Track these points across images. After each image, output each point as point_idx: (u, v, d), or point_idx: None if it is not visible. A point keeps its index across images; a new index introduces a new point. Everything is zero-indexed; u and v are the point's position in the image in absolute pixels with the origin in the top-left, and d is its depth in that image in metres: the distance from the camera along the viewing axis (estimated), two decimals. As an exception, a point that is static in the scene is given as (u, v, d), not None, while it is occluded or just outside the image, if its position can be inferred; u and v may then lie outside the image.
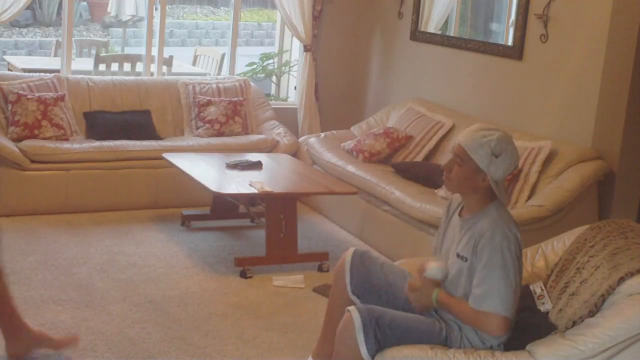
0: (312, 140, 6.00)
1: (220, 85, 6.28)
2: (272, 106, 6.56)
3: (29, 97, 5.47)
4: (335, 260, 4.68)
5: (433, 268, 2.76)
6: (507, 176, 2.67)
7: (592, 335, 2.45)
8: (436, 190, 4.80)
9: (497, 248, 2.54)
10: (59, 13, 12.21)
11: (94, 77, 6.17)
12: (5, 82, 5.58)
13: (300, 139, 6.19)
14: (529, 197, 4.52)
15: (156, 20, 6.45)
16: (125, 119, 5.79)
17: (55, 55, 8.59)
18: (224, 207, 5.34)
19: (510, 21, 5.34)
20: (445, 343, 2.65)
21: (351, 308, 2.64)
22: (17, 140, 5.33)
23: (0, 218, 5.07)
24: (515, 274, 2.56)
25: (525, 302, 2.92)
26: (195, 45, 12.07)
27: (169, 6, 12.40)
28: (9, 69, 7.52)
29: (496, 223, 2.59)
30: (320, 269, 4.64)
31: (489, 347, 2.63)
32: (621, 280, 2.61)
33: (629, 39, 4.48)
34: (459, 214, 2.77)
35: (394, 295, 2.90)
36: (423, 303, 2.72)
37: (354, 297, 2.93)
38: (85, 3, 13.15)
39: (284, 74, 7.29)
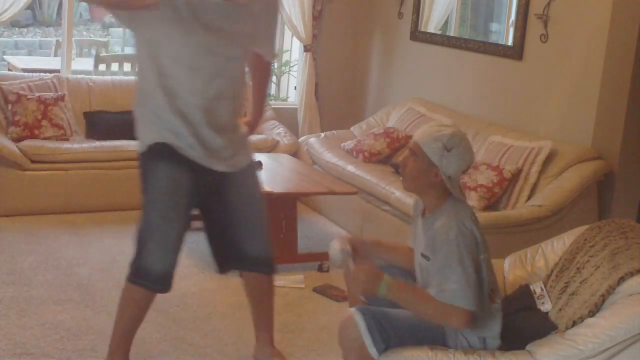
0: (312, 140, 6.00)
1: (220, 85, 6.27)
2: (272, 106, 6.56)
3: (29, 97, 5.47)
4: (335, 260, 4.69)
5: (333, 250, 2.77)
6: (461, 172, 2.66)
7: (592, 335, 2.45)
8: (436, 190, 4.79)
9: (452, 243, 2.53)
10: (59, 13, 12.20)
11: (94, 77, 6.17)
12: (5, 82, 5.58)
13: (300, 139, 6.19)
14: (529, 197, 4.53)
15: (156, 20, 6.45)
16: (125, 119, 5.75)
17: (55, 55, 8.61)
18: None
19: (510, 21, 5.34)
20: (444, 339, 2.65)
21: (352, 310, 2.63)
22: (17, 140, 5.33)
23: (0, 218, 5.08)
24: (473, 267, 2.53)
25: (525, 301, 2.92)
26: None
27: (169, 6, 12.38)
28: (9, 69, 7.54)
29: (451, 219, 2.58)
30: (320, 269, 4.64)
31: (483, 345, 2.62)
32: (621, 280, 2.61)
33: (629, 39, 4.48)
34: (422, 215, 2.77)
35: None
36: (369, 290, 2.61)
37: (362, 298, 2.94)
38: (85, 3, 13.14)
39: (284, 74, 7.29)
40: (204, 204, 3.10)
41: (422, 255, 2.67)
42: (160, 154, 2.92)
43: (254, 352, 3.37)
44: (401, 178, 2.76)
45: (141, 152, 2.98)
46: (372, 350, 2.54)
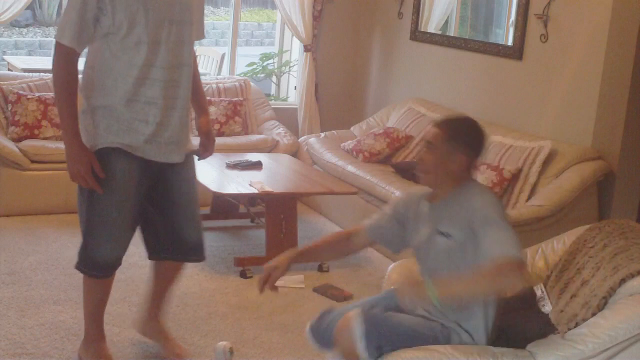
0: (312, 140, 6.00)
1: (220, 85, 6.28)
2: (272, 106, 6.56)
3: (29, 97, 5.47)
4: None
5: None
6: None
7: (593, 335, 2.44)
8: (436, 190, 4.79)
9: (493, 206, 2.52)
10: (59, 13, 12.20)
11: (94, 77, 6.16)
12: (5, 82, 5.58)
13: (300, 139, 6.19)
14: (529, 197, 4.53)
15: (156, 20, 6.45)
16: (125, 119, 5.78)
17: (55, 55, 8.59)
18: (224, 207, 5.34)
19: (510, 21, 5.34)
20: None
21: (353, 314, 2.56)
22: (17, 140, 5.33)
23: (0, 218, 5.08)
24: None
25: (527, 303, 2.92)
26: (195, 45, 12.08)
27: (169, 6, 12.36)
28: (9, 69, 7.52)
29: (483, 190, 2.61)
30: (320, 269, 4.64)
31: (472, 341, 2.59)
32: (622, 281, 2.60)
33: (629, 39, 4.48)
34: (430, 200, 2.69)
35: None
36: (418, 298, 2.49)
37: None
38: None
39: (284, 74, 7.29)
40: (149, 192, 3.15)
41: (442, 233, 2.58)
42: (112, 151, 2.99)
43: (139, 324, 3.49)
44: (420, 174, 2.67)
45: (94, 150, 3.00)
46: (364, 354, 2.50)
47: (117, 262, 3.12)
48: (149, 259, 3.37)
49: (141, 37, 2.88)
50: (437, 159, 2.61)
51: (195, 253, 3.30)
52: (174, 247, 3.26)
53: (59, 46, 2.92)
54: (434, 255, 2.65)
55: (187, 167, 3.20)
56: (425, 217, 2.71)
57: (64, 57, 2.94)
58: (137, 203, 3.08)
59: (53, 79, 2.99)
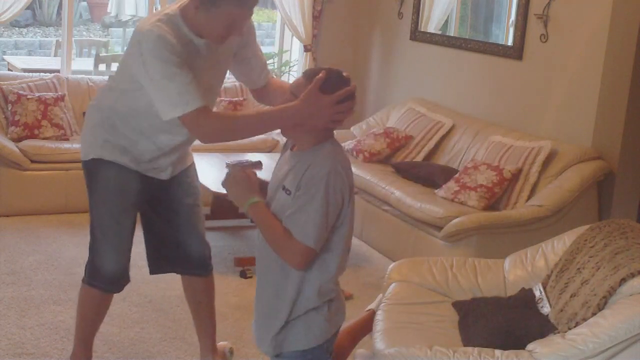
0: (312, 140, 6.00)
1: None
2: (272, 106, 6.55)
3: (29, 97, 5.47)
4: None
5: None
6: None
7: (593, 335, 2.44)
8: (436, 190, 4.80)
9: (322, 180, 2.31)
10: (59, 13, 12.21)
11: (94, 77, 6.18)
12: (5, 82, 5.58)
13: (300, 139, 6.18)
14: (529, 197, 4.53)
15: (156, 20, 6.44)
16: (125, 119, 5.78)
17: (55, 55, 8.62)
18: (224, 207, 5.34)
19: (510, 21, 5.35)
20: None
21: None
22: (17, 140, 5.33)
23: (0, 218, 5.08)
24: (333, 212, 2.33)
25: (526, 302, 2.92)
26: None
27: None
28: (9, 69, 7.53)
29: (327, 157, 2.39)
30: (320, 269, 4.63)
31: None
32: (623, 281, 2.61)
33: (629, 39, 4.48)
34: (291, 148, 2.54)
35: None
36: (236, 200, 2.42)
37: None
38: (85, 3, 13.16)
39: (284, 74, 7.29)
40: (148, 205, 3.10)
41: (284, 188, 2.41)
42: (106, 161, 2.95)
43: None
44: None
45: (88, 158, 2.99)
46: None
47: (123, 274, 3.04)
48: (151, 274, 3.29)
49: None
50: None
51: (199, 267, 3.21)
52: (177, 261, 3.20)
53: (196, 114, 2.58)
54: (275, 205, 2.44)
55: (189, 179, 3.15)
56: (280, 164, 2.55)
57: (205, 117, 2.61)
58: (136, 214, 3.04)
59: (226, 137, 2.83)
